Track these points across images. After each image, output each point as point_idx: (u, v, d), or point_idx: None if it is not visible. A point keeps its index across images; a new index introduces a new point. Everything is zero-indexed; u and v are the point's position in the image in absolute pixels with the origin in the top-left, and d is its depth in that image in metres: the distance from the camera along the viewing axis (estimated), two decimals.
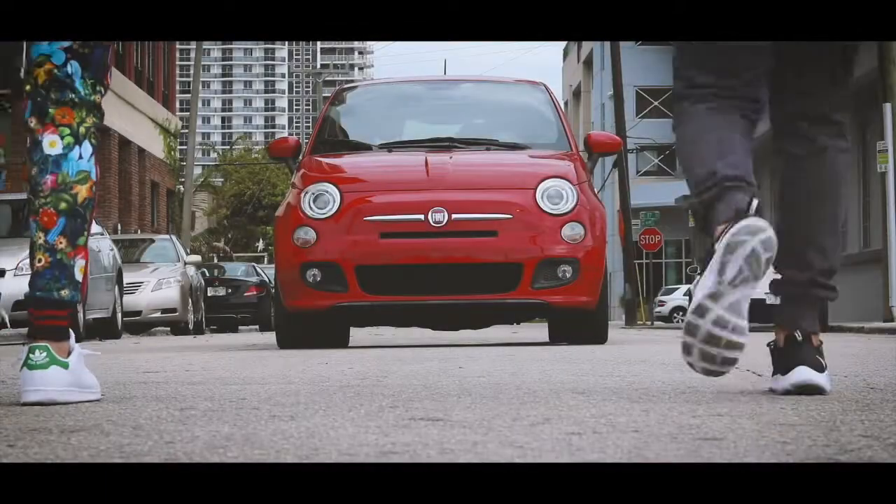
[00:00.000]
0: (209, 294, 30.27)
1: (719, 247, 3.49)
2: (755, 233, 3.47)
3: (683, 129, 3.84)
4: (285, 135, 22.79)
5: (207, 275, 31.45)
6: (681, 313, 41.76)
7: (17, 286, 15.99)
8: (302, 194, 10.23)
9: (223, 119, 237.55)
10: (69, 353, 3.53)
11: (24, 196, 19.78)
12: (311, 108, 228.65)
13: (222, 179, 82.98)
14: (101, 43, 3.69)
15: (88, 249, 3.68)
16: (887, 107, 22.87)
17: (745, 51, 3.85)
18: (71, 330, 3.59)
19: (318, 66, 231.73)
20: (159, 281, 23.49)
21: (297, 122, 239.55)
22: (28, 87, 3.66)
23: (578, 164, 10.70)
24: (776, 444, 2.37)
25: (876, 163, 23.88)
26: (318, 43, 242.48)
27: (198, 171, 75.19)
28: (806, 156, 3.92)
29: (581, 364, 6.06)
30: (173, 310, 23.45)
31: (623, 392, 3.81)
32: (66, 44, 3.64)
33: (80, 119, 3.67)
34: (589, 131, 23.76)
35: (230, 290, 32.87)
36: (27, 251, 16.29)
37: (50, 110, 3.65)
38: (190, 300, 24.25)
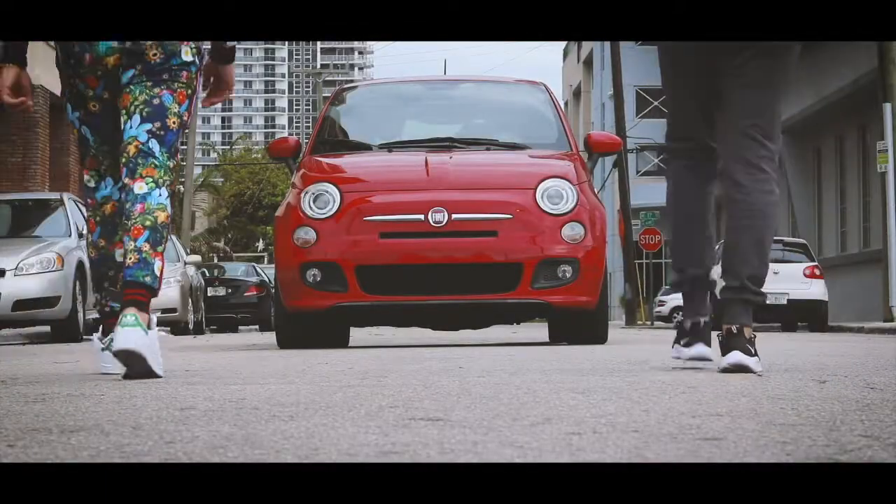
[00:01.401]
0: (209, 294, 30.27)
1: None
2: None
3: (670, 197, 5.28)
4: (285, 135, 22.76)
5: (207, 275, 31.45)
6: (680, 313, 41.71)
7: (18, 286, 15.83)
8: (302, 194, 10.22)
9: (223, 119, 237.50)
10: (149, 325, 4.73)
11: (24, 196, 19.77)
12: (311, 108, 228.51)
13: (222, 179, 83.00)
14: (173, 130, 5.02)
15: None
16: (887, 107, 22.87)
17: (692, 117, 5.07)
18: (151, 314, 4.85)
19: (318, 66, 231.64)
20: None
21: (297, 122, 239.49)
22: (124, 158, 5.02)
23: (578, 164, 10.70)
24: (776, 444, 2.37)
25: (876, 163, 23.88)
26: (318, 43, 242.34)
27: (198, 171, 75.14)
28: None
29: (581, 364, 6.06)
30: (173, 310, 23.44)
31: (623, 392, 3.81)
32: (149, 126, 4.98)
33: (159, 175, 5.00)
34: (589, 131, 23.76)
35: (230, 290, 32.88)
36: (27, 251, 16.42)
37: (139, 170, 4.99)
38: (190, 300, 24.24)
